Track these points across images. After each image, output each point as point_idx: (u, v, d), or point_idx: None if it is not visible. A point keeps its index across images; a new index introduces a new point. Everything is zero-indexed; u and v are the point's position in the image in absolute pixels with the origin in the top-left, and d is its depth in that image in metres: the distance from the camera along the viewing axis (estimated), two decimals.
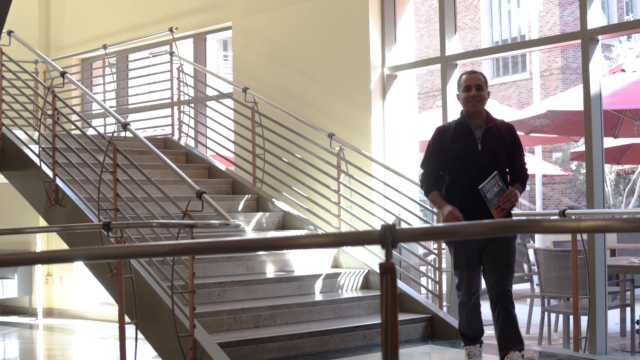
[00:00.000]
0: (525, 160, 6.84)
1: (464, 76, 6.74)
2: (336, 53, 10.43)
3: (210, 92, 11.70)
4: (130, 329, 6.77)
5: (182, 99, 11.31)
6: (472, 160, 6.59)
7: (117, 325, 6.65)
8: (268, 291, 8.12)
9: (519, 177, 6.71)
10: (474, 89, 6.63)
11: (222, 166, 10.56)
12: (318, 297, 8.31)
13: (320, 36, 10.60)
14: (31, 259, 3.41)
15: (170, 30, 11.49)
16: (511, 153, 6.70)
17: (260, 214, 9.49)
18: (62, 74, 9.60)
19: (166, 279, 7.13)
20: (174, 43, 11.43)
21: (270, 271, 8.59)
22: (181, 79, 11.24)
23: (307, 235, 8.16)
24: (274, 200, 9.76)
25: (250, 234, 9.16)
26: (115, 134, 10.33)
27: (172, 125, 11.31)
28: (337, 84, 10.38)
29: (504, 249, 6.52)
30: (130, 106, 12.90)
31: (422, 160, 7.05)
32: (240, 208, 9.65)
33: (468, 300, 6.69)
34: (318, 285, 8.49)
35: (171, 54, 11.33)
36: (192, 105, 11.46)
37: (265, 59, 11.22)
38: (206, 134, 11.22)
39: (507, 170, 6.69)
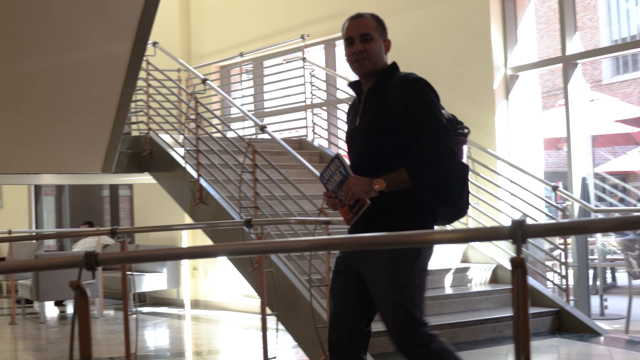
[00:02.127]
0: (432, 127, 4.18)
1: (345, 23, 4.42)
2: (459, 55, 10.33)
3: (340, 95, 11.74)
4: (271, 320, 6.84)
5: (314, 102, 11.39)
6: (351, 141, 4.46)
7: (259, 316, 6.73)
8: None
9: (415, 158, 4.15)
10: (358, 41, 4.32)
11: None
12: (448, 290, 8.26)
13: (443, 39, 10.52)
14: (180, 254, 3.48)
15: (302, 37, 11.57)
16: (402, 121, 4.22)
17: None
18: (204, 81, 9.77)
19: (304, 273, 7.18)
20: (305, 49, 11.51)
21: None
22: (313, 83, 11.32)
23: (438, 231, 8.09)
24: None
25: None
26: (254, 136, 10.47)
27: (306, 127, 11.40)
28: (461, 86, 10.28)
29: (378, 280, 4.18)
30: (266, 110, 13.05)
31: None
32: None
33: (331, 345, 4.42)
34: (448, 279, 8.43)
35: (303, 59, 11.42)
36: (324, 107, 11.53)
37: None
38: (338, 135, 11.28)
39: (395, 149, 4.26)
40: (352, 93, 10.58)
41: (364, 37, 4.32)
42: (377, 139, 4.26)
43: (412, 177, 4.12)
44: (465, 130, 4.41)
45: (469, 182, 4.40)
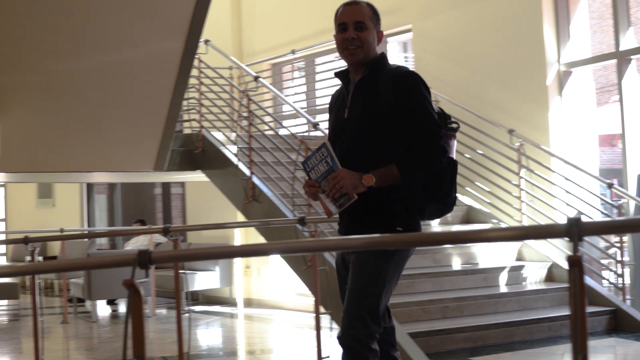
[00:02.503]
0: (424, 123, 4.10)
1: (339, 9, 4.37)
2: (512, 51, 10.28)
3: None
4: (325, 319, 6.85)
5: None
6: (339, 133, 4.31)
7: (313, 315, 6.74)
8: (454, 283, 8.09)
9: (406, 154, 4.09)
10: (352, 28, 4.23)
11: None
12: (503, 289, 8.23)
13: (496, 35, 10.47)
14: (233, 252, 3.50)
15: None
16: (393, 115, 4.12)
17: None
18: (256, 78, 9.83)
19: None
20: None
21: (456, 264, 8.56)
22: None
23: (491, 229, 8.11)
24: (457, 195, 9.69)
25: (436, 228, 9.14)
26: (306, 134, 10.50)
27: None
28: (514, 82, 10.23)
29: (353, 268, 4.18)
30: (318, 107, 13.07)
31: None
32: None
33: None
34: (503, 277, 8.40)
35: None
36: None
37: (444, 59, 11.17)
38: None
39: (386, 144, 4.15)
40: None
41: (358, 24, 4.23)
42: (367, 133, 4.18)
43: (403, 173, 4.05)
44: (455, 125, 4.30)
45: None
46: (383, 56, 4.33)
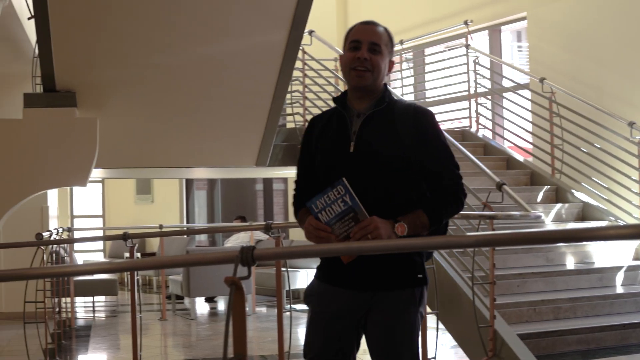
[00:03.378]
0: (449, 167, 3.91)
1: (355, 27, 4.03)
2: (634, 39, 10.19)
3: (506, 84, 11.73)
4: (431, 319, 6.94)
5: (478, 91, 11.41)
6: (341, 168, 3.84)
7: None
8: (568, 283, 8.07)
9: (430, 198, 3.87)
10: (365, 49, 3.88)
11: (520, 157, 10.57)
12: (619, 289, 8.17)
13: (618, 23, 10.38)
14: (341, 250, 3.58)
15: (465, 23, 11.60)
16: (412, 155, 3.85)
17: (559, 205, 9.43)
18: None
19: (466, 270, 7.25)
20: (469, 36, 11.54)
21: (570, 263, 8.53)
22: (477, 71, 11.34)
23: (609, 226, 8.05)
24: (573, 191, 9.67)
25: (549, 225, 9.14)
26: None
27: (470, 117, 11.43)
28: (636, 72, 10.14)
29: (390, 326, 3.93)
30: (427, 99, 13.14)
31: None
32: (539, 199, 9.63)
33: None
34: (619, 277, 8.35)
35: (467, 46, 11.45)
36: (488, 97, 11.54)
37: (561, 49, 11.12)
38: (503, 125, 11.27)
39: (403, 185, 3.87)
40: (521, 81, 10.53)
41: (373, 46, 3.89)
42: (382, 170, 3.84)
43: (432, 220, 3.77)
44: None
45: None
46: (388, 89, 4.02)
